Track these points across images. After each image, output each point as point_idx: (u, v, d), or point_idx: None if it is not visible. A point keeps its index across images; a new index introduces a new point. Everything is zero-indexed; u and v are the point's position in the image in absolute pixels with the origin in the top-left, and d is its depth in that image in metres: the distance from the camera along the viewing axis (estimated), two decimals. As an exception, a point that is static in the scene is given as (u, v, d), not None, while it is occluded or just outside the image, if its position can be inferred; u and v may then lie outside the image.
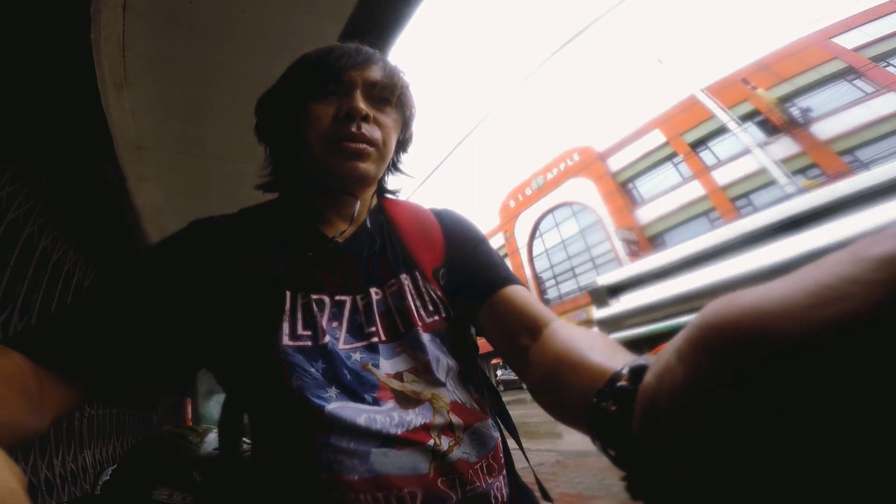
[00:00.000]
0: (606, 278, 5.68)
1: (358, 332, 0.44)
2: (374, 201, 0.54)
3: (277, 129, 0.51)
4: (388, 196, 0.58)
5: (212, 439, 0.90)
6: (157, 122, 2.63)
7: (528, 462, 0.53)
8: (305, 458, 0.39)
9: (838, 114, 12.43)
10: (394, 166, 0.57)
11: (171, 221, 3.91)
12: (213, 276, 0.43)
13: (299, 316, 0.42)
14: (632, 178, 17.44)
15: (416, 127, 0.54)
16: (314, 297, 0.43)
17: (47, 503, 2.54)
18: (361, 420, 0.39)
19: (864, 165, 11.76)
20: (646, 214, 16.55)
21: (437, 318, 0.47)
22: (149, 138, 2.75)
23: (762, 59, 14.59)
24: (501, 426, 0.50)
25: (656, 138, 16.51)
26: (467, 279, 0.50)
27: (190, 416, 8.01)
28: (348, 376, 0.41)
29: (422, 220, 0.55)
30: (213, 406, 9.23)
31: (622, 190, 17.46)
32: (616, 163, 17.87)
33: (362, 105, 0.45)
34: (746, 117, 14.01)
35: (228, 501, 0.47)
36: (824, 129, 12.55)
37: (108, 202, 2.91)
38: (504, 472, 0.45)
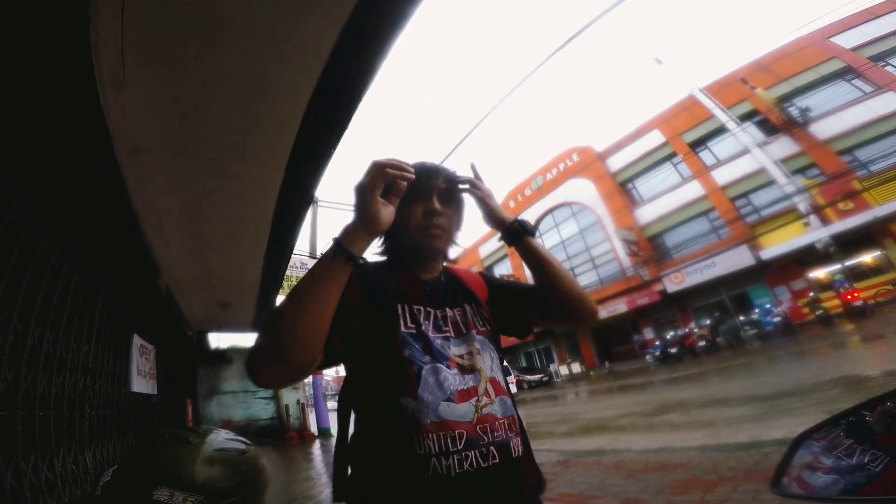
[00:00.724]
0: None
1: (438, 329, 0.75)
2: (442, 264, 0.87)
3: None
4: (450, 263, 0.92)
5: (212, 440, 0.90)
6: (155, 122, 2.62)
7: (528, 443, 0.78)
8: (399, 406, 0.64)
9: (837, 113, 12.46)
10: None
11: (168, 222, 3.90)
12: (364, 293, 0.73)
13: (407, 317, 0.73)
14: (631, 178, 17.47)
15: (467, 216, 0.89)
16: (415, 307, 0.75)
17: (47, 503, 2.53)
18: (441, 377, 0.67)
19: (863, 165, 11.80)
20: (645, 214, 16.58)
21: (485, 328, 0.81)
22: (147, 139, 2.74)
23: (761, 59, 14.62)
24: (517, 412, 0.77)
25: (655, 138, 16.55)
26: (508, 304, 0.90)
27: (190, 416, 8.02)
28: (435, 351, 0.71)
29: (474, 276, 0.93)
30: (213, 407, 9.23)
31: (622, 190, 17.48)
32: (616, 163, 17.90)
33: (438, 206, 0.78)
34: (745, 117, 14.04)
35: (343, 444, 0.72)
36: (823, 129, 12.58)
37: (107, 203, 2.91)
38: (520, 437, 0.71)
